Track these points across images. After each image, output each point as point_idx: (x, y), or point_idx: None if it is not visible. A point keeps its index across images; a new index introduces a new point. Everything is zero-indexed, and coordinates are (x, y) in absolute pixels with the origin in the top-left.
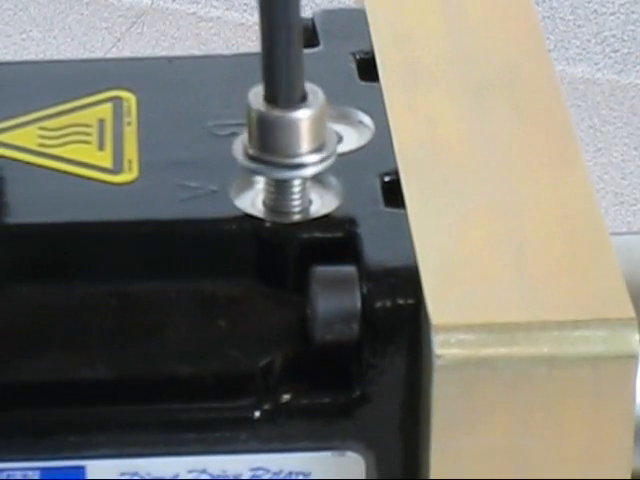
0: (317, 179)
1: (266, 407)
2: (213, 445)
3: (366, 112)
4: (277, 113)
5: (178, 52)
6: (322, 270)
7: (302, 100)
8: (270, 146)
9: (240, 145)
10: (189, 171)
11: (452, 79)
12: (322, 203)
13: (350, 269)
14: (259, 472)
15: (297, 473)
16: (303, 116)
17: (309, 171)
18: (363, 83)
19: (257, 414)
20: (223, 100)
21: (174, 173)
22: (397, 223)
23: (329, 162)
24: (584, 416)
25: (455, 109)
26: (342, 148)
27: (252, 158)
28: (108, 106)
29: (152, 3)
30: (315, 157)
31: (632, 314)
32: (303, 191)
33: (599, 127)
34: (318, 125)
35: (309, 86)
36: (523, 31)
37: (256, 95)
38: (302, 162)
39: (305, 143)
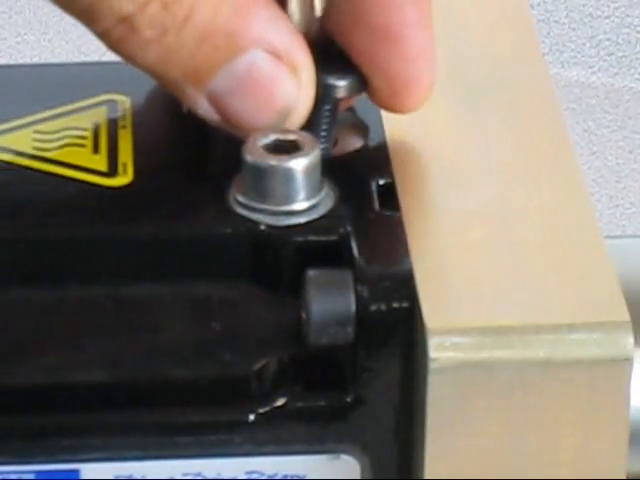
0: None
1: (261, 410)
2: (208, 448)
3: (361, 115)
4: (273, 161)
5: None
6: (317, 273)
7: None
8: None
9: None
10: (184, 174)
11: (447, 82)
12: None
13: (345, 272)
14: (254, 475)
15: (292, 476)
16: (297, 166)
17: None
18: None
19: (252, 417)
20: None
21: (169, 176)
22: (392, 226)
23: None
24: (579, 419)
25: (450, 112)
26: (337, 151)
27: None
28: (103, 109)
29: None
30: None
31: (627, 317)
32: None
33: (594, 130)
34: (313, 174)
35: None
36: (518, 34)
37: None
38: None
39: (301, 192)
